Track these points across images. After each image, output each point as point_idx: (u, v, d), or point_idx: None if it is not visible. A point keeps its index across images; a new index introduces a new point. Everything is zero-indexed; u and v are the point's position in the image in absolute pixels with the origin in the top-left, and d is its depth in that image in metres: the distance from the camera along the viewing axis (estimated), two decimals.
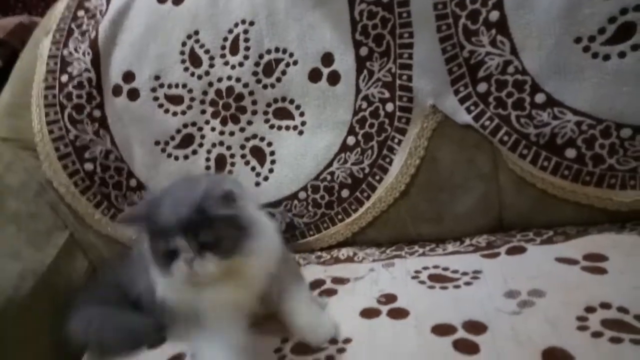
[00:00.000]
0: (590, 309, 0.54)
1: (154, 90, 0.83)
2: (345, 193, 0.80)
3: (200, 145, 0.83)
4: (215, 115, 0.82)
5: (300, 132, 0.81)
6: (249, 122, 0.82)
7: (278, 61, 0.80)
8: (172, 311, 0.56)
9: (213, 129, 0.83)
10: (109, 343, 0.64)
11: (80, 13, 0.87)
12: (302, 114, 0.81)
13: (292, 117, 0.81)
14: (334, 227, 0.81)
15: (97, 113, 0.84)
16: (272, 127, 0.82)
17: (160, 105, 0.83)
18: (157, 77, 0.83)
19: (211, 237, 0.49)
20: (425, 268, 0.69)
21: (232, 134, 0.83)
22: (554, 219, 0.74)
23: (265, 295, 0.56)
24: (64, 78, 0.84)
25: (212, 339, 0.53)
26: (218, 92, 0.82)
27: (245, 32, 0.80)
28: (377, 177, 0.79)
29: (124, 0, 0.83)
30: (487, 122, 0.74)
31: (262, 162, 0.82)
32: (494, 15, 0.71)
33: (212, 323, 0.53)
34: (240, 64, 0.80)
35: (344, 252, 0.79)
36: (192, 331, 0.54)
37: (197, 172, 0.83)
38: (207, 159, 0.83)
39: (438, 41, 0.74)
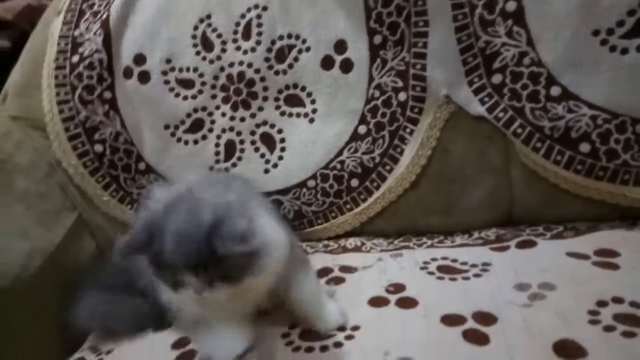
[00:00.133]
0: (602, 303, 0.53)
1: (164, 73, 0.82)
2: (354, 182, 0.80)
3: (210, 130, 0.83)
4: (226, 100, 0.82)
5: (311, 120, 0.80)
6: (260, 108, 0.81)
7: (291, 47, 0.79)
8: (176, 311, 0.55)
9: (223, 114, 0.82)
10: (114, 329, 0.64)
11: None
12: (313, 102, 0.80)
13: (303, 105, 0.80)
14: (342, 217, 0.81)
15: (107, 94, 0.84)
16: (282, 114, 0.81)
17: (171, 89, 0.82)
18: (168, 61, 0.82)
19: (222, 271, 0.46)
20: (434, 259, 0.68)
21: (242, 119, 0.82)
22: (564, 214, 0.74)
23: (271, 290, 0.55)
24: (75, 58, 0.83)
25: (217, 332, 0.52)
26: (229, 77, 0.81)
27: (258, 17, 0.79)
28: (388, 167, 0.78)
29: None
30: (501, 114, 0.73)
31: (271, 149, 0.82)
32: (511, 5, 0.70)
33: (218, 321, 0.53)
34: (253, 49, 0.80)
35: (352, 241, 0.78)
36: (196, 326, 0.53)
37: (206, 158, 0.82)
38: (217, 145, 0.83)
39: (453, 31, 0.73)
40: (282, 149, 0.81)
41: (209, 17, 0.81)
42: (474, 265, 0.65)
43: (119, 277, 0.66)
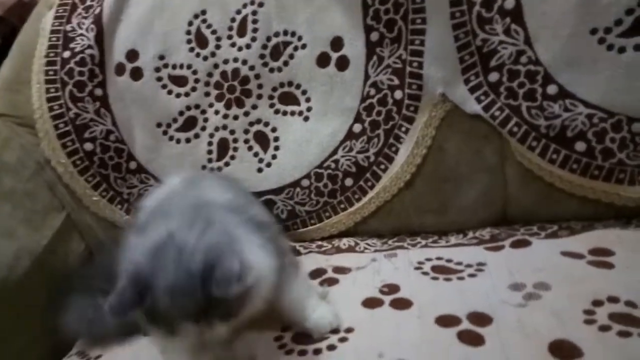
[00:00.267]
0: (597, 303, 0.53)
1: (157, 70, 0.81)
2: (349, 182, 0.79)
3: (203, 128, 0.82)
4: (219, 98, 0.81)
5: (306, 118, 0.79)
6: (254, 106, 0.80)
7: (286, 44, 0.78)
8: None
9: (217, 112, 0.81)
10: (102, 334, 0.63)
11: None
12: (308, 100, 0.79)
13: (297, 103, 0.79)
14: (336, 217, 0.80)
15: (98, 92, 0.82)
16: (277, 112, 0.80)
17: (164, 86, 0.81)
18: (161, 57, 0.81)
19: (220, 312, 0.45)
20: (429, 259, 0.68)
21: (236, 117, 0.81)
22: (558, 213, 0.73)
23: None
24: (66, 54, 0.82)
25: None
26: (223, 75, 0.80)
27: (254, 13, 0.78)
28: (383, 166, 0.77)
29: None
30: (497, 113, 0.72)
31: (265, 148, 0.81)
32: (510, 3, 0.69)
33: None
34: (248, 46, 0.79)
35: (345, 241, 0.77)
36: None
37: (198, 157, 0.81)
38: (210, 143, 0.82)
39: (451, 28, 0.72)
40: (276, 148, 0.80)
41: (203, 12, 0.80)
42: (468, 265, 0.65)
43: (108, 280, 0.65)
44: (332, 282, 0.65)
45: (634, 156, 0.68)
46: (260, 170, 0.81)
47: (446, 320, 0.54)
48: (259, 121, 0.81)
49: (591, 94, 0.69)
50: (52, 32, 0.83)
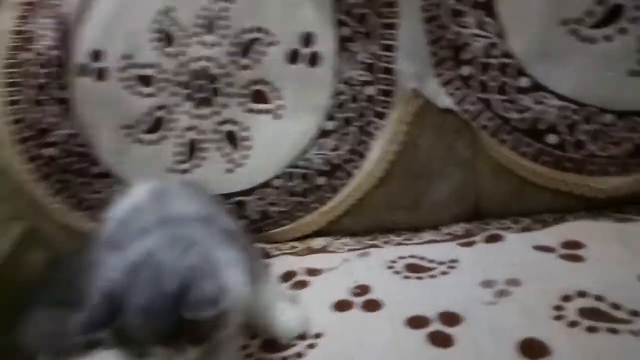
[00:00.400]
0: (567, 298, 0.52)
1: (123, 70, 0.79)
2: (321, 180, 0.77)
3: (172, 130, 0.79)
4: (188, 98, 0.79)
5: (278, 117, 0.78)
6: (224, 106, 0.79)
7: (256, 41, 0.76)
8: None
9: (185, 113, 0.79)
10: (63, 348, 0.61)
11: None
12: (279, 98, 0.77)
13: (269, 101, 0.78)
14: (309, 216, 0.78)
15: (61, 94, 0.80)
16: (248, 111, 0.78)
17: (130, 87, 0.79)
18: (127, 57, 0.78)
19: (191, 336, 0.44)
20: (402, 258, 0.67)
21: (205, 118, 0.79)
22: (531, 207, 0.73)
23: None
24: (28, 55, 0.79)
25: None
26: (192, 74, 0.78)
27: (223, 10, 0.76)
28: (355, 164, 0.76)
29: None
30: (470, 107, 0.72)
31: (236, 148, 0.79)
32: None
33: None
34: (217, 44, 0.77)
35: (319, 242, 0.76)
36: None
37: (167, 159, 0.79)
38: (179, 145, 0.80)
39: (423, 22, 0.71)
40: (247, 148, 0.79)
41: (171, 10, 0.78)
42: (441, 263, 0.64)
43: (71, 291, 0.63)
44: (303, 285, 0.64)
45: (605, 148, 0.68)
46: (231, 171, 0.79)
47: (417, 322, 0.53)
48: (229, 121, 0.79)
49: (563, 86, 0.68)
50: (12, 32, 0.80)
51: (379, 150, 0.75)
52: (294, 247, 0.76)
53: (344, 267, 0.66)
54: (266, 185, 0.78)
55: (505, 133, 0.71)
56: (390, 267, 0.65)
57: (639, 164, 0.67)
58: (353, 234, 0.78)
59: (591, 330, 0.48)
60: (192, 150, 0.79)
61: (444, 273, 0.62)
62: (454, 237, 0.70)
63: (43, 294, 0.65)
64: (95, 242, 0.57)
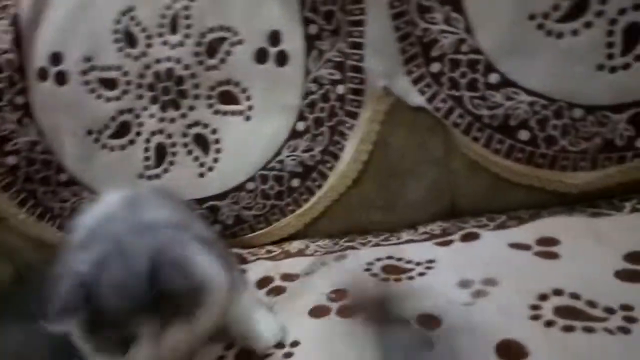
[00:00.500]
0: (543, 297, 0.52)
1: (84, 73, 0.76)
2: (295, 182, 0.76)
3: (138, 134, 0.77)
4: (153, 100, 0.76)
5: (247, 118, 0.76)
6: (191, 108, 0.76)
7: (222, 40, 0.74)
8: None
9: (152, 116, 0.77)
10: None
11: None
12: (248, 98, 0.76)
13: (238, 102, 0.76)
14: (284, 219, 0.77)
15: (20, 100, 0.76)
16: (216, 112, 0.76)
17: (93, 90, 0.76)
18: (88, 59, 0.76)
19: (170, 312, 0.43)
20: (379, 259, 0.66)
21: (172, 120, 0.77)
22: (506, 203, 0.73)
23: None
24: None
25: None
26: (156, 75, 0.75)
27: (186, 8, 0.74)
28: (329, 165, 0.75)
29: None
30: (441, 104, 0.71)
31: (206, 151, 0.77)
32: None
33: None
34: (181, 44, 0.74)
35: (295, 245, 0.75)
36: None
37: (135, 164, 0.77)
38: (146, 149, 0.77)
39: (391, 18, 0.70)
40: (217, 151, 0.77)
41: (131, 9, 0.75)
42: (418, 264, 0.63)
43: (39, 305, 0.60)
44: (279, 290, 0.63)
45: (576, 142, 0.68)
46: (202, 175, 0.77)
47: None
48: (197, 123, 0.77)
49: (532, 81, 0.68)
50: None
51: (352, 150, 0.74)
52: (270, 252, 0.75)
53: (320, 271, 0.65)
54: (239, 188, 0.77)
55: (477, 130, 0.70)
56: (367, 269, 0.64)
57: (609, 159, 0.67)
58: (330, 235, 0.77)
59: (567, 329, 0.48)
60: (161, 154, 0.77)
61: (421, 274, 0.61)
62: (431, 236, 0.70)
63: (11, 307, 0.63)
64: (65, 251, 0.55)
